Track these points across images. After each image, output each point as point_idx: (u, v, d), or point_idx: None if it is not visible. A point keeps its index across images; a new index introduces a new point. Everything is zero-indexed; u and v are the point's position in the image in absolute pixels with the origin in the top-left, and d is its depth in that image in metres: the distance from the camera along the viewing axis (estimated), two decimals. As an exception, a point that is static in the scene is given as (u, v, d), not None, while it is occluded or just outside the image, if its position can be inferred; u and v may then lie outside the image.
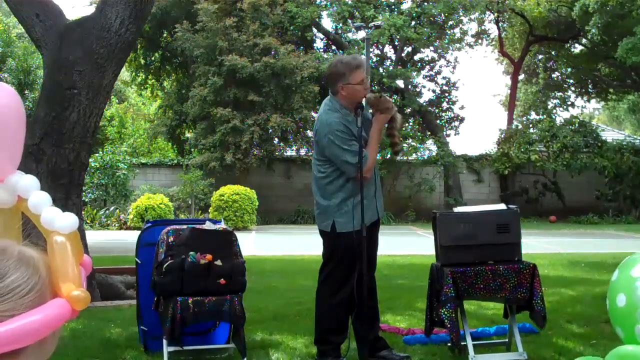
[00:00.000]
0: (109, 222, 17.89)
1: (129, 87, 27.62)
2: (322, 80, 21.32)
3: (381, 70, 22.14)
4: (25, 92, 18.65)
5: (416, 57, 24.39)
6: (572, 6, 21.84)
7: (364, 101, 4.21)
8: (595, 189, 21.74)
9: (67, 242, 1.17)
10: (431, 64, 24.67)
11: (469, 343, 4.04)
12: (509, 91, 28.87)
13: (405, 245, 12.24)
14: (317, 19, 22.50)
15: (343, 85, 4.06)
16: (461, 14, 22.22)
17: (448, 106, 24.85)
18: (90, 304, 4.98)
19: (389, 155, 19.35)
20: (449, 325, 3.97)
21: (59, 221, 1.20)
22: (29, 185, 1.29)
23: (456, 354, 4.25)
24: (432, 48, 23.56)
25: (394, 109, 4.17)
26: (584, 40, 24.76)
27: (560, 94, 27.86)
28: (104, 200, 19.10)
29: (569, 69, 27.14)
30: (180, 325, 3.91)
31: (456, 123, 24.71)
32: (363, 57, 4.39)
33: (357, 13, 21.69)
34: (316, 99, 20.44)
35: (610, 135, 25.66)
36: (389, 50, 23.98)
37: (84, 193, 15.32)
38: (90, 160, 12.81)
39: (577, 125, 22.01)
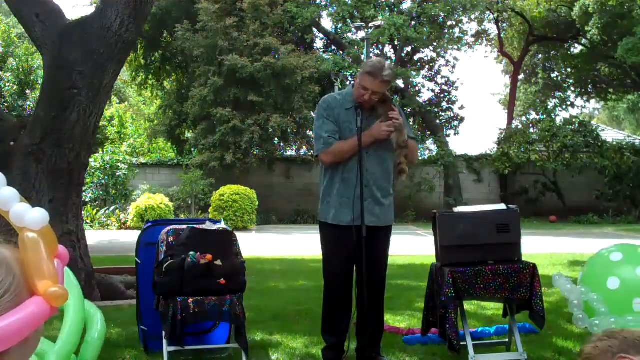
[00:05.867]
0: (109, 222, 17.89)
1: (129, 87, 27.62)
2: (322, 80, 21.34)
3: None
4: (26, 92, 18.66)
5: (416, 57, 24.41)
6: (572, 6, 21.86)
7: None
8: (595, 189, 21.73)
9: (39, 237, 1.15)
10: (431, 64, 24.69)
11: (469, 343, 4.03)
12: (508, 91, 28.88)
13: (405, 245, 12.23)
14: (317, 19, 22.50)
15: (356, 79, 4.09)
16: (461, 13, 22.22)
17: (448, 106, 24.88)
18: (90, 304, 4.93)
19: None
20: (448, 326, 3.96)
21: (28, 217, 1.19)
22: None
23: (455, 354, 4.24)
24: (431, 48, 23.57)
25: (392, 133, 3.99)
26: (583, 40, 24.76)
27: (560, 94, 27.87)
28: (104, 200, 19.10)
29: (569, 69, 27.14)
30: (181, 325, 3.91)
31: (456, 123, 24.74)
32: (387, 71, 4.12)
33: (357, 13, 21.69)
34: (316, 99, 20.45)
35: (610, 135, 25.65)
36: (389, 50, 24.01)
37: (84, 193, 15.32)
38: (90, 160, 12.82)
39: (577, 125, 22.00)
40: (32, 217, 1.17)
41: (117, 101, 26.33)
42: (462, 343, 4.08)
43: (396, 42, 23.07)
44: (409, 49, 23.71)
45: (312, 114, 20.23)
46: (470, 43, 25.48)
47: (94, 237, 12.41)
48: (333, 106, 4.10)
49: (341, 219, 4.03)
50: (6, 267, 1.04)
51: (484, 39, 26.82)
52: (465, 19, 23.40)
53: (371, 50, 21.10)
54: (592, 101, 30.81)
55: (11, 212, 1.20)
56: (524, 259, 4.23)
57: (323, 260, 4.24)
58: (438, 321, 4.13)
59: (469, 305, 5.37)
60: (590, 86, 27.39)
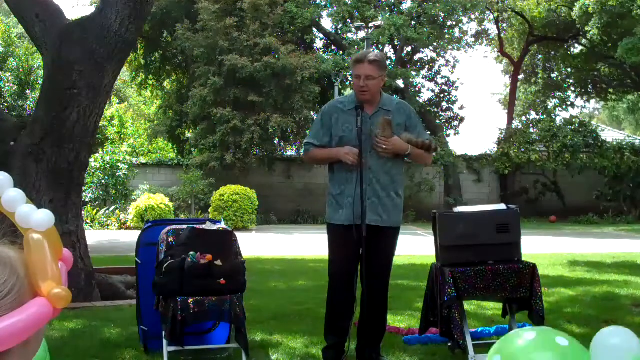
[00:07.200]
0: (109, 222, 17.88)
1: (129, 87, 27.61)
2: (322, 80, 21.33)
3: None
4: (26, 92, 18.65)
5: (416, 57, 24.40)
6: (572, 6, 21.84)
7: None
8: (595, 189, 21.73)
9: (44, 239, 1.16)
10: (431, 64, 24.69)
11: (469, 343, 4.04)
12: (508, 91, 28.87)
13: (405, 245, 12.24)
14: (317, 20, 22.50)
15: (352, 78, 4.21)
16: (461, 13, 22.21)
17: (448, 106, 24.88)
18: (90, 304, 4.97)
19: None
20: (453, 326, 3.97)
21: (34, 218, 1.19)
22: (1, 183, 1.28)
23: (456, 354, 4.24)
24: (431, 48, 23.56)
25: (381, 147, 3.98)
26: (583, 41, 24.76)
27: (560, 94, 27.86)
28: (104, 200, 19.09)
29: (569, 69, 27.14)
30: (181, 325, 3.91)
31: (456, 123, 24.73)
32: (372, 53, 4.19)
33: (357, 13, 21.69)
34: (317, 100, 20.45)
35: (610, 135, 25.65)
36: (389, 50, 23.99)
37: (84, 193, 15.32)
38: (90, 160, 12.83)
39: (577, 125, 22.00)
40: (37, 219, 1.18)
41: (117, 101, 26.32)
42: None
43: (396, 42, 23.05)
44: (409, 49, 23.71)
45: (312, 114, 20.24)
46: (470, 43, 25.45)
47: (94, 237, 12.41)
48: (331, 112, 4.18)
49: (343, 218, 4.04)
50: (10, 268, 1.05)
51: (484, 39, 26.80)
52: (465, 19, 23.40)
53: (371, 50, 21.09)
54: (592, 101, 30.80)
55: (17, 213, 1.20)
56: (524, 259, 4.23)
57: (328, 261, 4.25)
58: (438, 321, 4.13)
59: (469, 305, 5.37)
60: (590, 86, 27.37)
